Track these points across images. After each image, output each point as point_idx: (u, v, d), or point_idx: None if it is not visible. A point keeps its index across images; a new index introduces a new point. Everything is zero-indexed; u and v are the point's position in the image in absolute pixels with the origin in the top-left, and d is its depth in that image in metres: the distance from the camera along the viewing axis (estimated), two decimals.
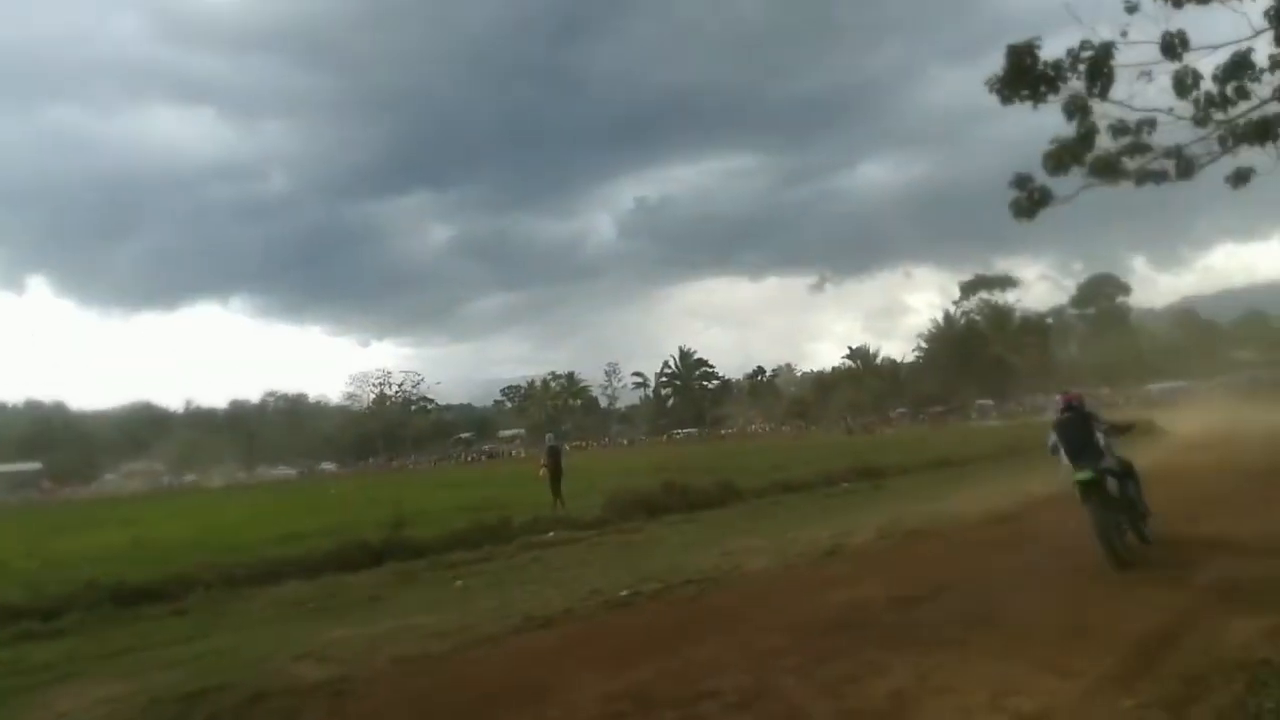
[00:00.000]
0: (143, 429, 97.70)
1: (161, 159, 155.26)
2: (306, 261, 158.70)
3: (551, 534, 15.57)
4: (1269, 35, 9.57)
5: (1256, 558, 8.43)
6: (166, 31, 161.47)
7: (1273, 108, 9.76)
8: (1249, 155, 9.95)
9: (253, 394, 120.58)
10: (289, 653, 7.96)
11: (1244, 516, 10.70)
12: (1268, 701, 4.52)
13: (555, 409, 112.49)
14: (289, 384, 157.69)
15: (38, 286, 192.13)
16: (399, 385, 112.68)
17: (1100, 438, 8.92)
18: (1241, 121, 9.93)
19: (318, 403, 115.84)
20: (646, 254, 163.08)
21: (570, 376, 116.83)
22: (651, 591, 9.58)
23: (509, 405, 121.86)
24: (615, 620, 8.60)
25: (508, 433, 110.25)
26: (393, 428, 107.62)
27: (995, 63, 10.57)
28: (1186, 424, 30.28)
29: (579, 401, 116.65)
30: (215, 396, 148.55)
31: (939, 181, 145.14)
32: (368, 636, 8.38)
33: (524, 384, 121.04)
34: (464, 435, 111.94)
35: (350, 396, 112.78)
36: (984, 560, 9.94)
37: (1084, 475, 8.56)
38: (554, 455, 20.86)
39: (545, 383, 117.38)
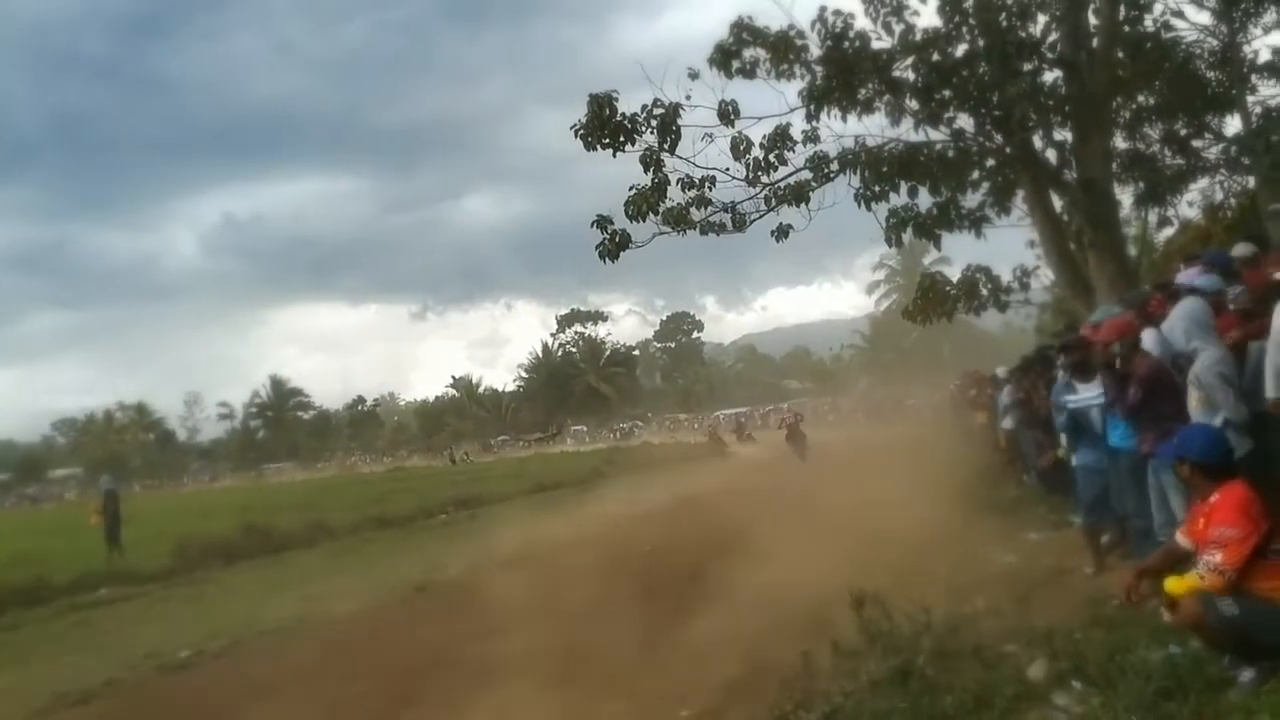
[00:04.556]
0: None
1: None
2: None
3: (103, 591, 13.63)
4: (802, 113, 11.07)
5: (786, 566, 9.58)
6: None
7: (805, 175, 11.18)
8: (789, 214, 11.26)
9: None
10: None
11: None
12: (788, 703, 5.09)
13: (122, 444, 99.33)
14: None
15: None
16: None
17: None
18: (782, 185, 11.22)
19: None
20: (235, 274, 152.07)
21: (141, 407, 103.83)
22: (218, 650, 8.68)
23: (61, 440, 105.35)
24: (170, 687, 7.65)
25: (61, 472, 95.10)
26: None
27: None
28: (742, 447, 34.28)
29: (152, 435, 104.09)
30: None
31: (539, 218, 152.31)
32: None
33: (82, 416, 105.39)
34: (1, 477, 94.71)
35: None
36: (568, 587, 10.27)
37: None
38: (110, 499, 18.28)
39: (109, 414, 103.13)
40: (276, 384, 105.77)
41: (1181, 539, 4.38)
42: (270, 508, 24.63)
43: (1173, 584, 4.10)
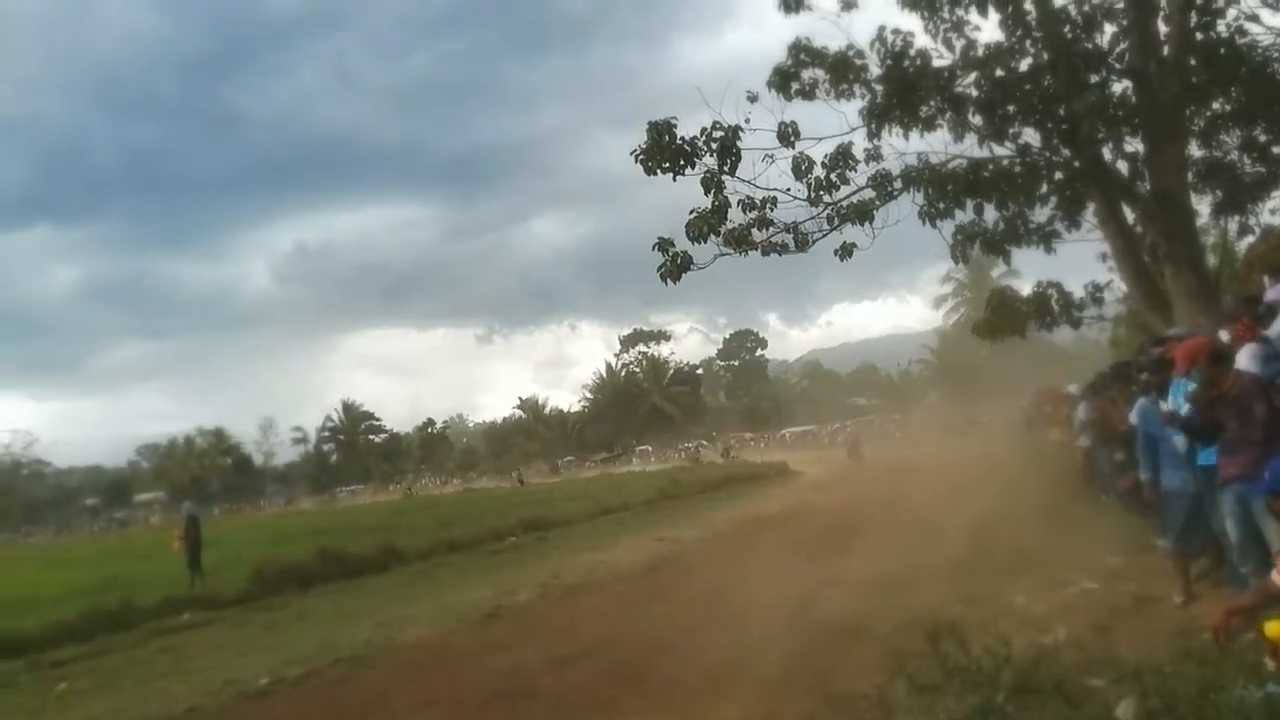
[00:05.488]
0: None
1: None
2: None
3: (186, 616, 14.00)
4: (863, 132, 10.98)
5: (865, 592, 9.44)
6: None
7: (867, 194, 11.08)
8: (852, 232, 11.17)
9: None
10: None
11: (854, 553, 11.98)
12: None
13: (202, 468, 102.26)
14: None
15: None
16: (5, 446, 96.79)
17: None
18: (844, 204, 11.13)
19: None
20: (308, 302, 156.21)
21: (219, 432, 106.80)
22: (295, 677, 8.85)
23: (145, 465, 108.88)
24: (251, 714, 7.81)
25: (145, 497, 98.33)
26: None
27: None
28: (815, 467, 33.90)
29: (229, 460, 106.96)
30: None
31: (602, 239, 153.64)
32: None
33: (164, 442, 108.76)
34: (90, 502, 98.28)
35: None
36: (637, 612, 10.28)
37: None
38: (192, 525, 18.83)
39: (189, 439, 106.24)
40: (348, 408, 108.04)
41: (1278, 579, 4.18)
42: (343, 531, 25.09)
43: (1273, 629, 3.92)
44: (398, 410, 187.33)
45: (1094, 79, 10.47)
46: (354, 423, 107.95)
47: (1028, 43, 10.77)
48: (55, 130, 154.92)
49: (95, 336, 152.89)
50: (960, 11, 11.00)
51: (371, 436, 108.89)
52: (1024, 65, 10.74)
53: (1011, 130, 10.72)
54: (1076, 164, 10.90)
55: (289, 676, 8.86)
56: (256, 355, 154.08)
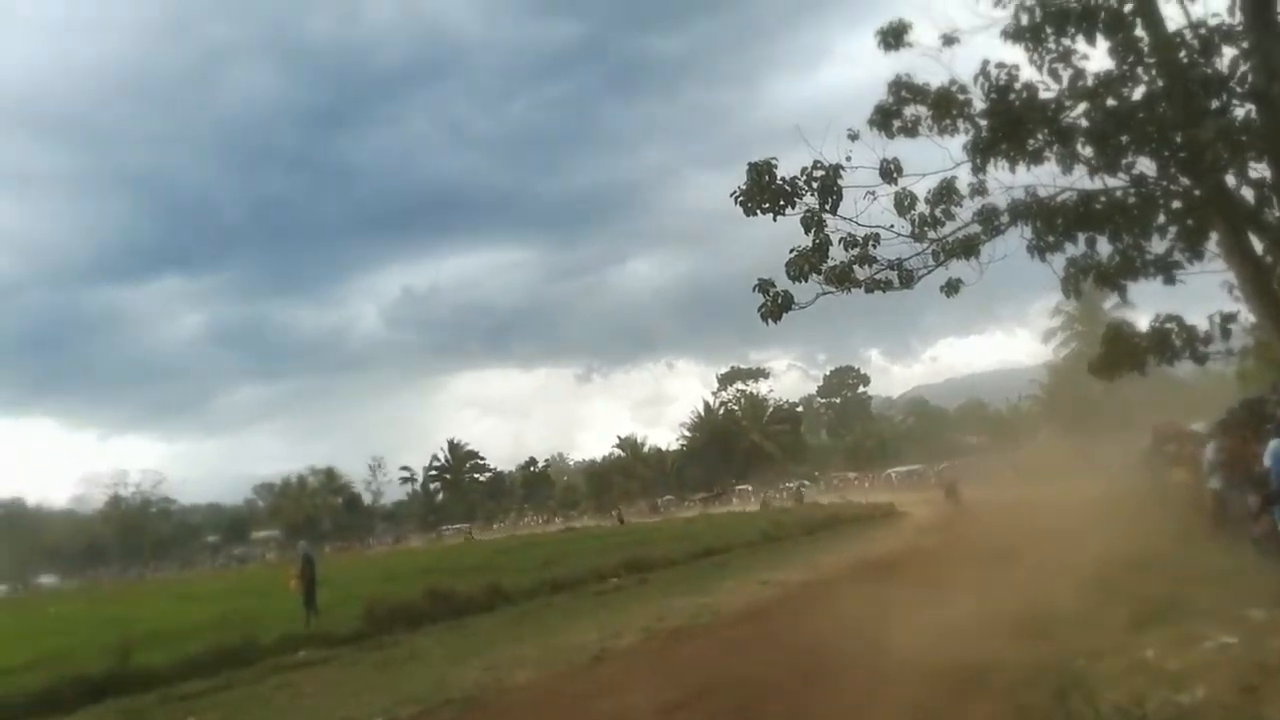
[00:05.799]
0: None
1: None
2: (35, 350, 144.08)
3: (302, 653, 14.41)
4: (968, 166, 10.78)
5: (982, 641, 9.10)
6: None
7: (974, 228, 10.85)
8: (958, 268, 10.94)
9: None
10: None
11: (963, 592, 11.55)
12: None
13: (314, 507, 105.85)
14: (5, 487, 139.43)
15: None
16: (136, 485, 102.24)
17: None
18: (950, 239, 10.93)
19: (38, 508, 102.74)
20: (415, 344, 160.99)
21: (330, 472, 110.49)
22: (408, 717, 9.01)
23: (261, 504, 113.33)
24: None
25: (261, 534, 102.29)
26: (128, 533, 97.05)
27: (743, 171, 11.30)
28: (922, 508, 32.93)
29: (340, 499, 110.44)
30: None
31: (698, 277, 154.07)
32: None
33: (279, 481, 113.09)
34: (211, 539, 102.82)
35: (78, 499, 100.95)
36: (744, 658, 10.14)
37: None
38: (307, 564, 19.47)
39: (302, 479, 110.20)
40: (454, 448, 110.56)
41: None
42: (450, 570, 25.53)
43: None
44: (500, 449, 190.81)
45: (1214, 104, 10.06)
46: (459, 462, 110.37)
47: (1140, 70, 10.43)
48: (185, 184, 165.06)
49: (217, 380, 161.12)
50: (1067, 41, 10.75)
51: (476, 475, 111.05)
52: (1137, 93, 10.38)
53: (1125, 161, 10.36)
54: (1197, 193, 10.45)
55: (402, 717, 9.04)
56: (366, 396, 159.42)
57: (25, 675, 13.20)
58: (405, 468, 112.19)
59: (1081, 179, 10.64)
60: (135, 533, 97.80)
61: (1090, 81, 10.50)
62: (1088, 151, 10.47)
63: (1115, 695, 4.90)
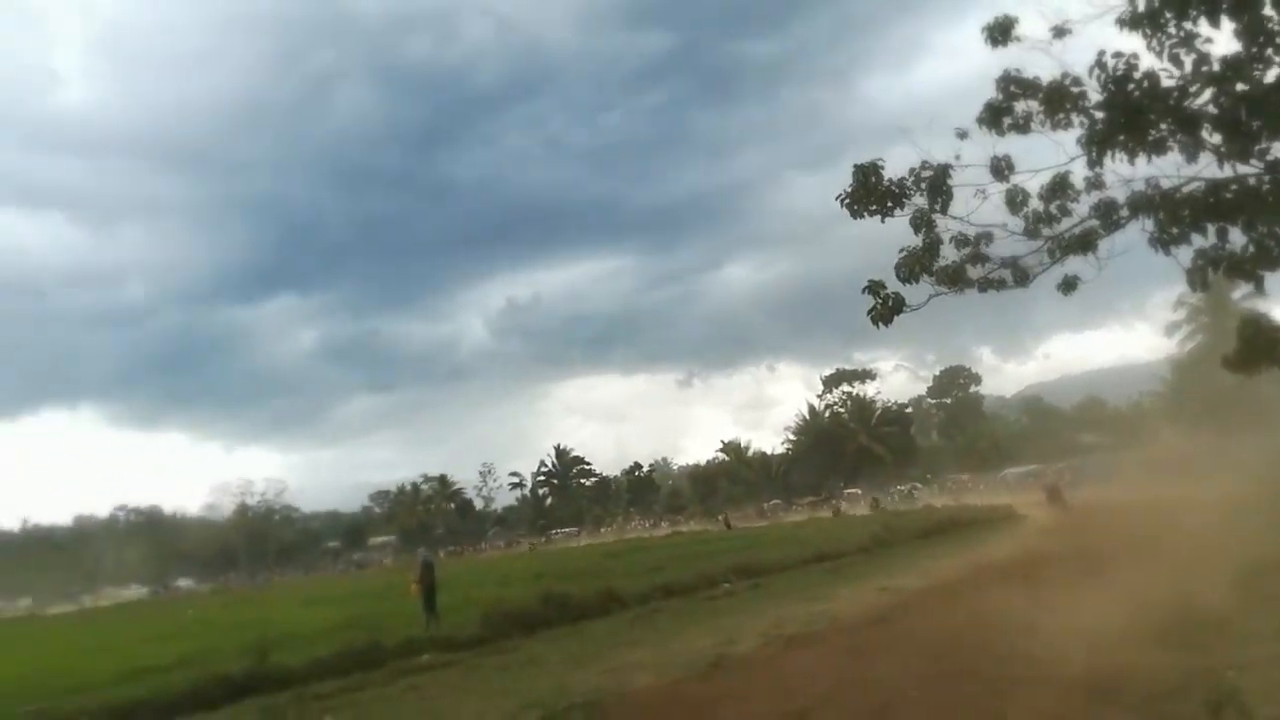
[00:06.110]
0: None
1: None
2: (166, 368, 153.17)
3: (426, 657, 14.89)
4: (1083, 160, 10.45)
5: (1114, 649, 8.79)
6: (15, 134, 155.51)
7: (1091, 223, 10.52)
8: (1074, 264, 10.64)
9: (101, 508, 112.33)
10: None
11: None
12: None
13: (428, 513, 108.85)
14: (144, 496, 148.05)
15: None
16: (261, 493, 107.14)
17: None
18: (1066, 235, 10.64)
19: (174, 515, 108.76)
20: (519, 353, 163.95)
21: (442, 479, 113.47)
22: None
23: (377, 510, 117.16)
24: None
25: (378, 540, 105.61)
26: (255, 539, 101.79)
27: (842, 169, 11.17)
28: (1040, 510, 31.80)
29: (452, 505, 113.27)
30: (59, 513, 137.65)
31: (799, 279, 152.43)
32: None
33: (394, 488, 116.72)
34: (331, 544, 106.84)
35: (209, 507, 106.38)
36: (866, 666, 10.04)
37: None
38: (427, 570, 20.08)
39: (416, 486, 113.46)
40: (561, 454, 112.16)
41: None
42: (561, 574, 25.93)
43: None
44: (605, 454, 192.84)
45: None
46: (566, 467, 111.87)
47: (1270, 51, 9.93)
48: (296, 207, 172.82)
49: (331, 392, 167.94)
50: (1189, 25, 10.31)
51: (582, 480, 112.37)
52: (1271, 75, 9.89)
53: (1258, 147, 9.88)
54: None
55: None
56: (475, 405, 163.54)
57: (173, 674, 14.02)
58: (515, 473, 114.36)
59: (1208, 167, 10.20)
60: (261, 539, 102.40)
61: (1216, 66, 10.06)
62: (1215, 139, 10.03)
63: (1273, 711, 4.66)
